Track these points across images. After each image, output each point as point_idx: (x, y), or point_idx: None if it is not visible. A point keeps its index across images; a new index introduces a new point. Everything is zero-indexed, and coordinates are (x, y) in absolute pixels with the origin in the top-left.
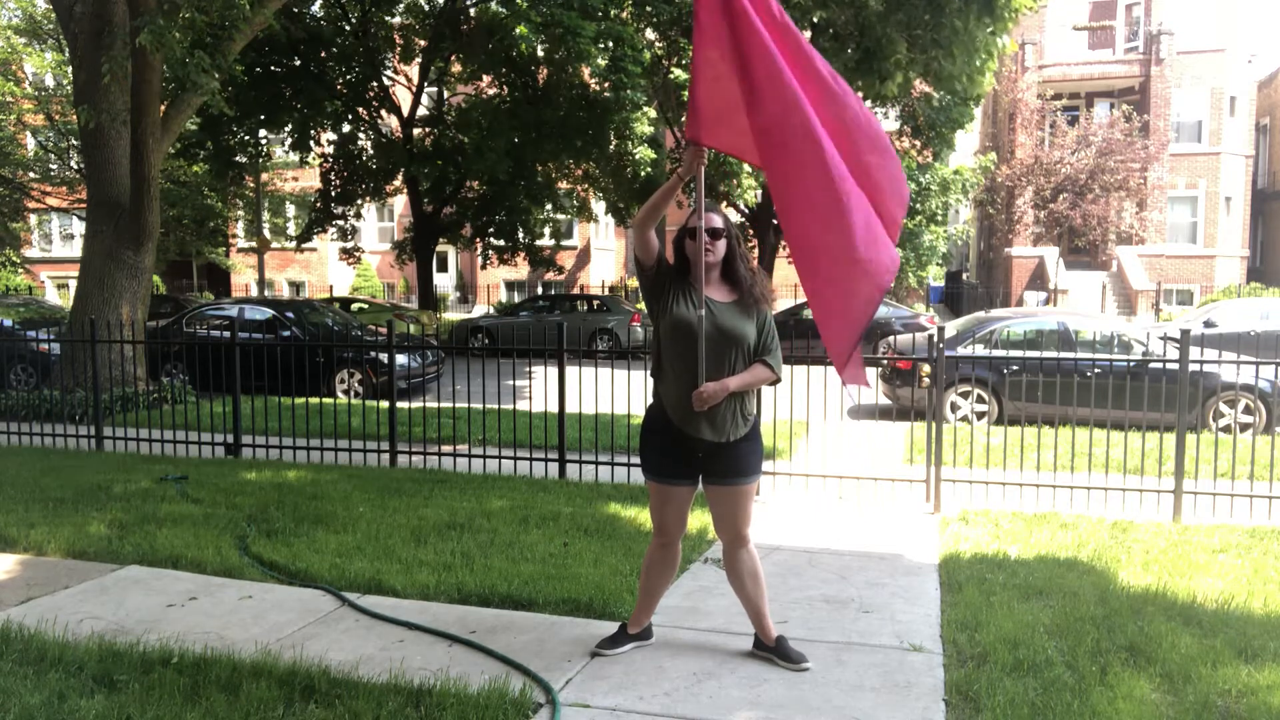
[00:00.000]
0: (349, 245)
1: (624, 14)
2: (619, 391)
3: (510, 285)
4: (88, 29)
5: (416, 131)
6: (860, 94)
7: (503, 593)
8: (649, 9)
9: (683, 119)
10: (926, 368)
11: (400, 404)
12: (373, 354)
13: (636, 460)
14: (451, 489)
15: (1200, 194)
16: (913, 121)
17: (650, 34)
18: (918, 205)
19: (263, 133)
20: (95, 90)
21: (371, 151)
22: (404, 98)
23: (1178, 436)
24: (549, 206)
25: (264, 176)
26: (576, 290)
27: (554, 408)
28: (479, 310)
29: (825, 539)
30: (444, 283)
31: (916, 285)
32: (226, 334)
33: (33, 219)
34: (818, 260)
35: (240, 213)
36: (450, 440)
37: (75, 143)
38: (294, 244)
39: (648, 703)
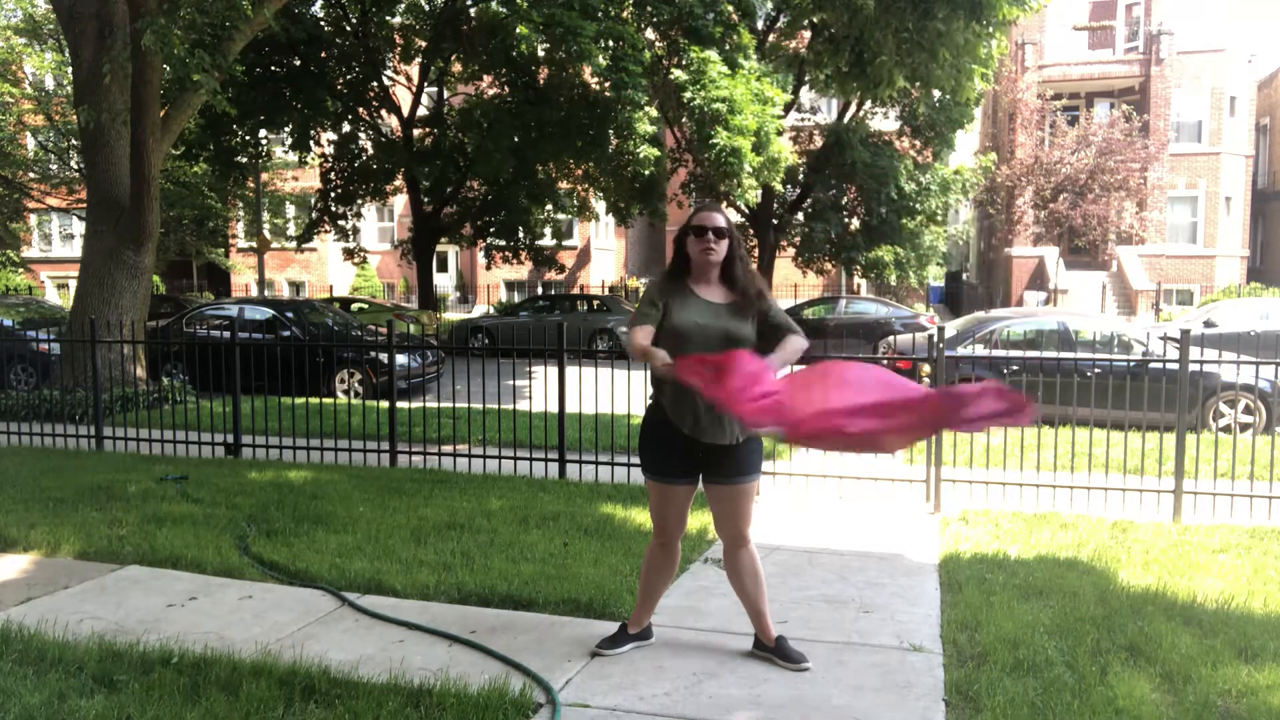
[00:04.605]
0: (353, 246)
1: (624, 14)
2: (619, 391)
3: (510, 285)
4: (88, 29)
5: (417, 131)
6: (857, 95)
7: (503, 593)
8: (649, 9)
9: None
10: (926, 368)
11: (400, 404)
12: (373, 354)
13: (636, 460)
14: (451, 489)
15: (1200, 194)
16: (913, 121)
17: (650, 34)
18: (918, 205)
19: (263, 133)
20: (95, 90)
21: (372, 151)
22: (404, 98)
23: (1178, 436)
24: (549, 206)
25: (264, 177)
26: (576, 290)
27: (554, 408)
28: (479, 310)
29: (825, 539)
30: (444, 283)
31: (916, 285)
32: (226, 334)
33: (33, 219)
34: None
35: (240, 213)
36: (450, 440)
37: (75, 143)
38: (294, 244)
39: (648, 703)
